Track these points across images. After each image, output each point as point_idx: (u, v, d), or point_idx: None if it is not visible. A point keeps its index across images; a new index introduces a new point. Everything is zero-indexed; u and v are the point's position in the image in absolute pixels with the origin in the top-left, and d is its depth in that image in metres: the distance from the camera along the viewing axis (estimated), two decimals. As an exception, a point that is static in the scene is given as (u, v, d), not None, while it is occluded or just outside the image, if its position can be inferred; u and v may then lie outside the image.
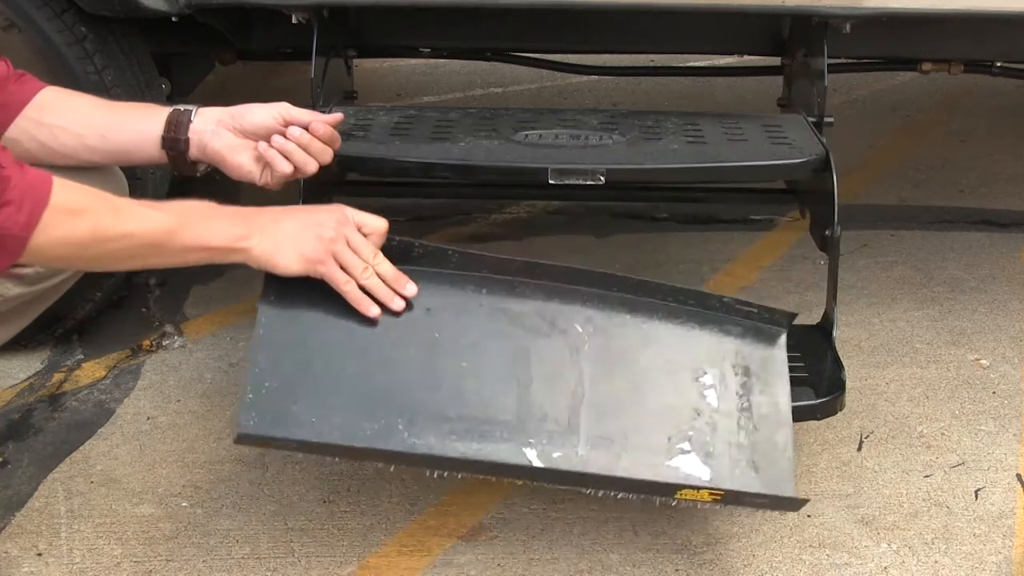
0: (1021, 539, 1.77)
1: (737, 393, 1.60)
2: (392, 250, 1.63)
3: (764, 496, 1.54)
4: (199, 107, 1.67)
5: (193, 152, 1.65)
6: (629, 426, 1.55)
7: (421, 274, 1.60)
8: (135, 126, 1.66)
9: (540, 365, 1.58)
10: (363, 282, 1.53)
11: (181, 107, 1.67)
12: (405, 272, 1.58)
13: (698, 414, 1.57)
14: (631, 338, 1.63)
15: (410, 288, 1.57)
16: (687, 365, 1.61)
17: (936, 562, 1.72)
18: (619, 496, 1.55)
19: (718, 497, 1.51)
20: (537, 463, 1.51)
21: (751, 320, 1.67)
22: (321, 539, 1.76)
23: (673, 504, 1.54)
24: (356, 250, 1.53)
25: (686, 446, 1.54)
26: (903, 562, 1.72)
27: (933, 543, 1.76)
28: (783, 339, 1.66)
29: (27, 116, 1.64)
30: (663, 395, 1.58)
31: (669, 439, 1.54)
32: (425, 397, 1.52)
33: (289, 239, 1.50)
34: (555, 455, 1.51)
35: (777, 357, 1.64)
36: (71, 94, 1.70)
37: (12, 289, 1.71)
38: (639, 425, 1.55)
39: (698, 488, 1.50)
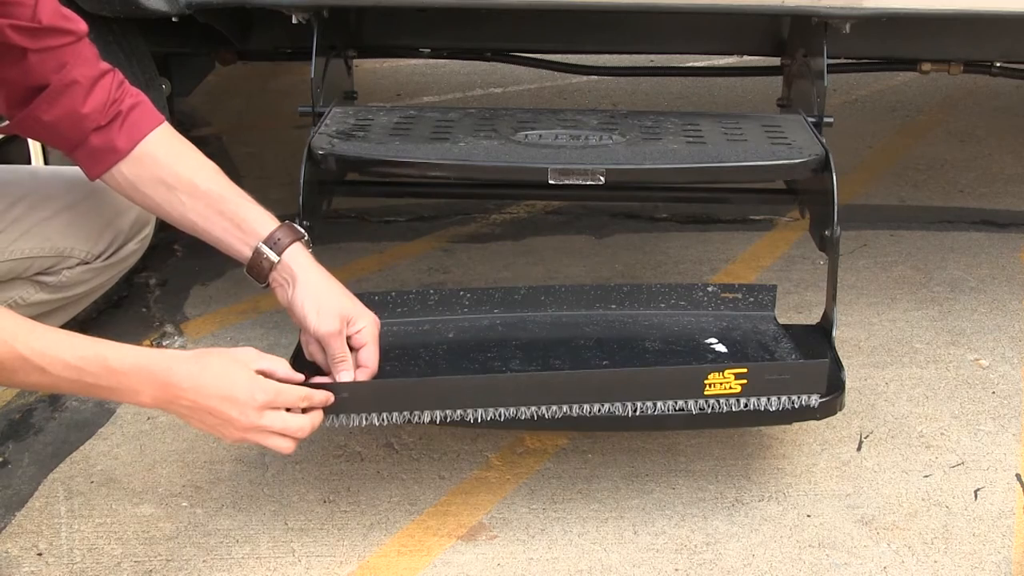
0: (1021, 539, 1.78)
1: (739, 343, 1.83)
2: (411, 300, 1.88)
3: (787, 369, 1.65)
4: (287, 247, 1.60)
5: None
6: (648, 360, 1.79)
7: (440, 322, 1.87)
8: (226, 238, 1.62)
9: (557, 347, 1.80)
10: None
11: (264, 249, 1.59)
12: (417, 322, 1.86)
13: (708, 353, 1.80)
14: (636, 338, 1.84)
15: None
16: (692, 338, 1.85)
17: (936, 562, 1.72)
18: (652, 409, 1.62)
19: (744, 383, 1.59)
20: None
21: (739, 310, 1.91)
22: (321, 539, 1.76)
23: (705, 407, 1.62)
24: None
25: (710, 340, 1.82)
26: (903, 562, 1.72)
27: (933, 543, 1.76)
28: (772, 314, 1.91)
29: (122, 171, 1.59)
30: (675, 353, 1.80)
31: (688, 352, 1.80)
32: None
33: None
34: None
35: (769, 331, 1.87)
36: (178, 155, 1.62)
37: (33, 294, 1.72)
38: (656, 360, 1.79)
39: (722, 370, 1.59)
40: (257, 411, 1.45)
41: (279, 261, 1.60)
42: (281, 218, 1.65)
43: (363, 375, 1.62)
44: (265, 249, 1.59)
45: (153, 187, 1.60)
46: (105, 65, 1.60)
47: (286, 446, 1.49)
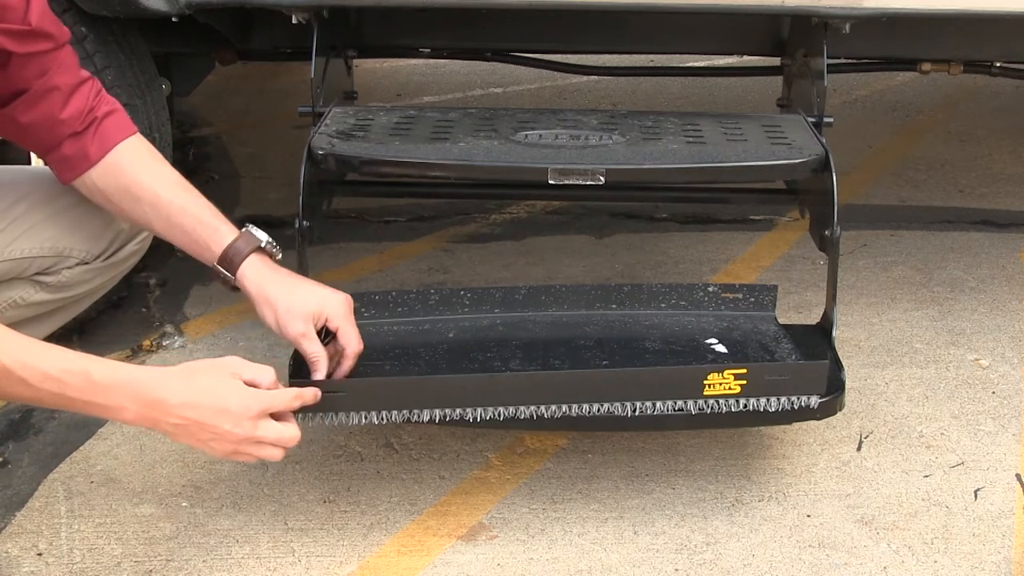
0: (1020, 539, 1.78)
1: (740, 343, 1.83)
2: (411, 300, 1.88)
3: (787, 369, 1.66)
4: (243, 262, 1.60)
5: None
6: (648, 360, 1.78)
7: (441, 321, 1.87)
8: (188, 250, 1.64)
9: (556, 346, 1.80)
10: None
11: (220, 270, 1.61)
12: (418, 321, 1.86)
13: (708, 353, 1.79)
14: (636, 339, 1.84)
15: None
16: (692, 338, 1.85)
17: (935, 562, 1.72)
18: (652, 409, 1.62)
19: (743, 383, 1.59)
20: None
21: (739, 310, 1.91)
22: (321, 539, 1.76)
23: (704, 407, 1.62)
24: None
25: (710, 341, 1.82)
26: (903, 562, 1.72)
27: (932, 543, 1.76)
28: (773, 314, 1.91)
29: (92, 178, 1.61)
30: (675, 353, 1.80)
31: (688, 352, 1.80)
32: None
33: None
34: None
35: (769, 331, 1.87)
36: (144, 166, 1.63)
37: (33, 294, 1.72)
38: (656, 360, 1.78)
39: (722, 370, 1.59)
40: (252, 421, 1.44)
41: (235, 279, 1.62)
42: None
43: (346, 360, 1.63)
44: (221, 271, 1.62)
45: (120, 196, 1.63)
46: (85, 73, 1.62)
47: (278, 455, 1.49)
